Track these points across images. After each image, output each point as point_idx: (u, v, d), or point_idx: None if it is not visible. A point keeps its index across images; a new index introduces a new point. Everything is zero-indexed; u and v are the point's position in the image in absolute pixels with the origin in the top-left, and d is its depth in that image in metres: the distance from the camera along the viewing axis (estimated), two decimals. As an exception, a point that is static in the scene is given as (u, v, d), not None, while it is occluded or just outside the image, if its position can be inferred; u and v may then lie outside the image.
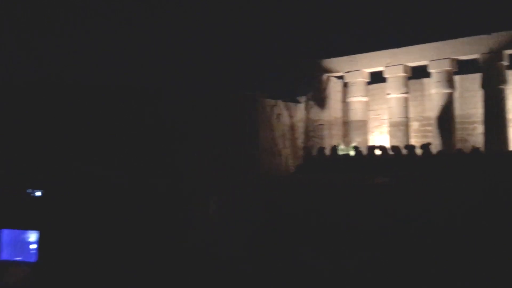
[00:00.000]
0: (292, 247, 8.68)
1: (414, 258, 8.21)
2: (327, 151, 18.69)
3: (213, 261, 8.78)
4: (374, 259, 8.16)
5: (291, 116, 20.97)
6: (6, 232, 12.02)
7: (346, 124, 21.84)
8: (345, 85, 21.78)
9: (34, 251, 11.49)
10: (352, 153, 18.44)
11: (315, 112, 21.48)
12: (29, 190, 14.05)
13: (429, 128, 20.16)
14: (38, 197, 13.80)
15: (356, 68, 20.84)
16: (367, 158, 17.48)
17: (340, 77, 21.83)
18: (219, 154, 16.03)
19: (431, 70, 19.15)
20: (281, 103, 20.49)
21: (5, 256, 11.95)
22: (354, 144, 19.58)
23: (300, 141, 21.23)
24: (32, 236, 11.65)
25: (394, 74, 19.85)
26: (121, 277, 8.84)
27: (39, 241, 11.33)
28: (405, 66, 19.77)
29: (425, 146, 16.38)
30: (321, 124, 21.42)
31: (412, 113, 20.52)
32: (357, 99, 21.06)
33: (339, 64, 21.26)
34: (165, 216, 9.60)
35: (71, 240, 10.49)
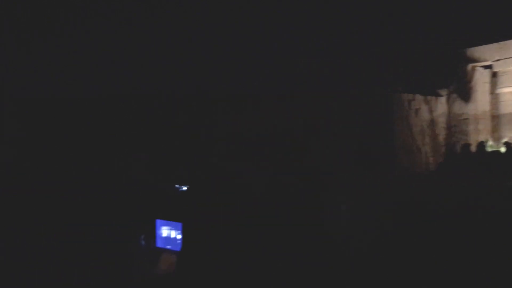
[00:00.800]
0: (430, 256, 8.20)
1: None
2: (473, 148, 17.33)
3: (346, 271, 8.66)
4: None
5: (431, 111, 19.88)
6: (159, 223, 13.30)
7: (495, 118, 20.06)
8: (494, 75, 20.00)
9: (179, 241, 12.59)
10: (502, 149, 16.88)
11: (459, 106, 20.11)
12: (177, 186, 15.44)
13: None
14: (184, 191, 15.10)
15: (507, 55, 19.05)
16: (520, 156, 15.82)
17: (488, 67, 20.10)
18: (352, 153, 15.82)
19: None
20: (419, 97, 19.52)
21: (159, 244, 13.25)
22: (505, 139, 17.96)
23: (441, 137, 20.03)
24: (177, 227, 12.76)
25: (555, 59, 17.76)
26: (250, 273, 9.26)
27: (183, 232, 12.38)
28: None
29: None
30: (465, 119, 19.98)
31: None
32: (508, 90, 19.30)
33: (486, 52, 19.63)
34: (296, 217, 9.78)
35: (210, 232, 11.26)
